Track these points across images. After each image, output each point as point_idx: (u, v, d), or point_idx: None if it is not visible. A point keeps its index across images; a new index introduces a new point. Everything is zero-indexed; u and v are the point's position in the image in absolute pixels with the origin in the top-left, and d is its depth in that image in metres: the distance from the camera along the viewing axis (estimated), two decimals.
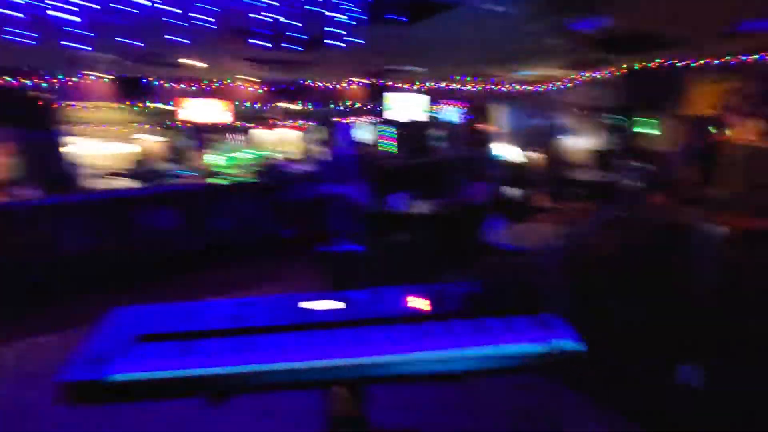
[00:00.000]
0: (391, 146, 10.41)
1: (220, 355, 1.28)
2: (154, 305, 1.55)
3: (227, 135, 9.28)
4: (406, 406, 2.47)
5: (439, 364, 1.23)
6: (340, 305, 1.50)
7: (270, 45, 4.84)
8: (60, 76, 6.82)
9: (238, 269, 5.42)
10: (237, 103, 8.80)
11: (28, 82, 6.63)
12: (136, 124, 10.65)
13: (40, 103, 6.70)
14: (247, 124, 10.37)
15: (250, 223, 6.40)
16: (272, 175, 7.10)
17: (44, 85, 6.91)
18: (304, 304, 1.50)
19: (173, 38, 4.24)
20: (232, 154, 9.26)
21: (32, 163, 6.47)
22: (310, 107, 9.94)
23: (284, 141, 11.37)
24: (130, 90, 6.96)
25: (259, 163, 8.58)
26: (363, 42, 4.95)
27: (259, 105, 9.04)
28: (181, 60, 6.17)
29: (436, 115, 10.69)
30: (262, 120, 10.52)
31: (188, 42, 4.31)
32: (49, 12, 3.46)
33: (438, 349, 1.25)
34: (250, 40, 4.71)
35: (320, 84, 9.35)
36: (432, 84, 10.05)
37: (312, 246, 4.00)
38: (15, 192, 5.59)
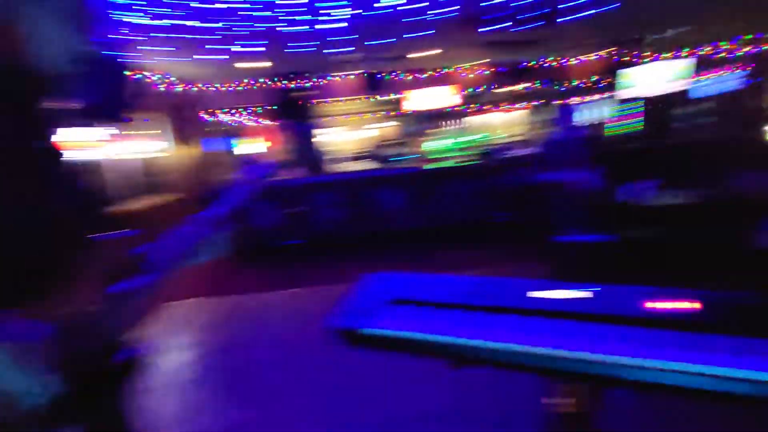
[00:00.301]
0: (632, 126, 9.07)
1: (459, 325, 1.37)
2: (402, 273, 1.75)
3: (452, 120, 9.68)
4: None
5: (702, 379, 1.04)
6: (583, 295, 1.41)
7: (503, 26, 4.77)
8: (329, 77, 8.24)
9: (453, 248, 5.68)
10: (465, 88, 9.06)
11: (292, 84, 8.28)
12: (371, 114, 12.16)
13: (300, 101, 8.26)
14: (471, 108, 10.58)
15: (467, 206, 6.58)
16: (493, 158, 7.10)
17: (307, 85, 8.51)
18: (540, 293, 1.46)
19: (413, 35, 4.61)
20: (455, 139, 9.62)
21: (297, 149, 8.10)
22: (536, 86, 9.50)
23: (508, 124, 11.18)
24: (371, 84, 7.91)
25: (480, 147, 8.68)
26: (617, 4, 4.37)
27: (483, 89, 9.12)
28: (414, 54, 6.68)
29: (695, 87, 8.78)
30: (486, 103, 10.58)
31: (426, 35, 4.61)
32: (318, 27, 4.25)
33: (698, 363, 1.05)
34: (484, 25, 4.74)
35: (548, 63, 8.81)
36: (688, 50, 8.31)
37: (529, 232, 3.85)
38: (289, 172, 7.11)
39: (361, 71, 8.21)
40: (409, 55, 6.89)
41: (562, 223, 3.61)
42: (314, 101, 8.42)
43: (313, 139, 8.27)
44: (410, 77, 8.90)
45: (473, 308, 1.47)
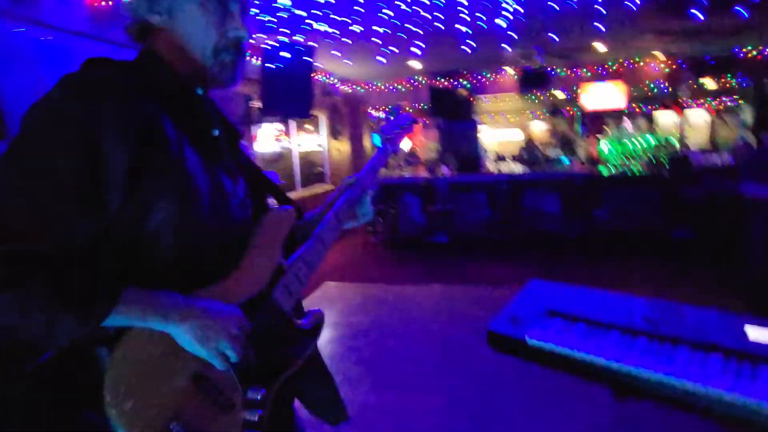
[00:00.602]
0: None
1: (628, 351, 1.28)
2: (566, 284, 1.69)
3: (623, 120, 8.75)
4: None
5: None
6: None
7: (704, 13, 4.13)
8: (483, 74, 8.20)
9: (617, 261, 5.15)
10: (642, 85, 8.11)
11: (455, 82, 8.36)
12: (529, 112, 11.63)
13: (458, 99, 8.29)
14: (649, 108, 9.40)
15: (633, 217, 5.90)
16: (675, 165, 6.21)
17: (466, 83, 8.53)
18: (754, 330, 1.27)
19: (589, 27, 4.30)
20: (625, 141, 8.67)
21: (449, 147, 8.18)
22: (733, 84, 8.00)
23: (692, 126, 9.66)
24: (533, 81, 7.57)
25: (656, 151, 7.67)
26: None
27: (667, 84, 8.02)
28: (583, 48, 6.20)
29: None
30: (668, 101, 9.27)
31: (603, 29, 4.26)
32: (481, 23, 4.26)
33: None
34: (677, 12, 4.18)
35: (755, 53, 7.32)
36: None
37: (716, 254, 3.28)
38: (435, 170, 7.26)
39: (520, 67, 7.93)
40: (577, 50, 6.42)
41: (765, 249, 3.01)
42: (472, 99, 8.41)
43: (470, 138, 8.27)
44: (580, 72, 8.29)
45: (649, 335, 1.36)
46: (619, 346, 1.30)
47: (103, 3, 3.38)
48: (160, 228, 0.75)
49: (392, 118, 1.30)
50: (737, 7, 4.01)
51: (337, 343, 3.62)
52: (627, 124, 8.89)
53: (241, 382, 0.82)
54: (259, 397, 0.84)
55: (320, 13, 3.95)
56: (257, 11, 3.90)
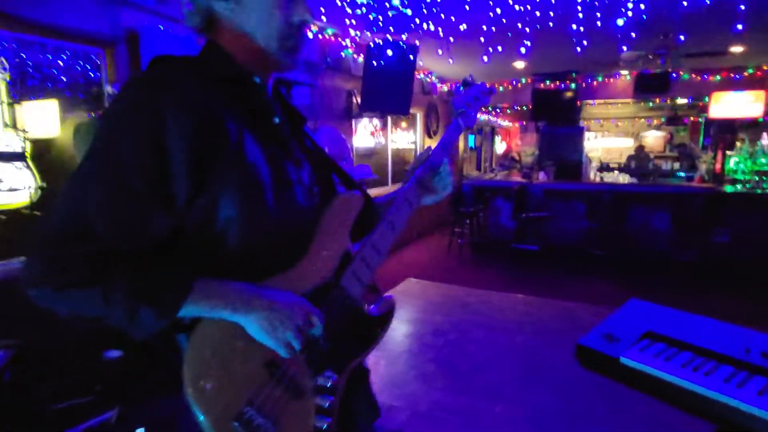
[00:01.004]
0: None
1: (743, 388, 1.16)
2: (667, 307, 1.57)
3: (760, 134, 7.70)
4: None
5: None
6: None
7: None
8: (594, 77, 7.72)
9: (733, 295, 4.56)
10: None
11: (562, 84, 7.95)
12: (644, 120, 10.69)
13: (569, 102, 7.86)
14: None
15: (761, 244, 5.18)
16: None
17: (573, 85, 8.06)
18: None
19: (725, 26, 3.85)
20: (757, 158, 7.64)
21: (548, 152, 7.82)
22: None
23: None
24: (651, 86, 6.95)
25: None
26: None
27: None
28: (723, 48, 5.54)
29: None
30: None
31: (742, 27, 3.79)
32: (598, 23, 4.01)
33: None
34: None
35: None
36: None
37: None
38: (531, 175, 6.98)
39: (638, 70, 7.31)
40: (707, 52, 5.76)
41: None
42: (579, 103, 7.95)
43: (574, 144, 7.85)
44: (703, 78, 7.45)
45: (765, 373, 1.23)
46: (732, 381, 1.18)
47: None
48: (227, 220, 0.77)
49: (463, 89, 1.20)
50: None
51: (415, 340, 3.66)
52: (764, 138, 7.79)
53: (311, 369, 0.85)
54: (329, 384, 0.86)
55: (426, 11, 4.00)
56: (365, 10, 4.04)
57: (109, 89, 2.91)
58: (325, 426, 0.84)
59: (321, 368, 0.87)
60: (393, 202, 1.03)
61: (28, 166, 2.51)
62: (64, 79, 2.80)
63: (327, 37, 4.94)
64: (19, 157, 2.44)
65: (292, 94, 1.74)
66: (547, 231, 6.07)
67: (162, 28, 3.15)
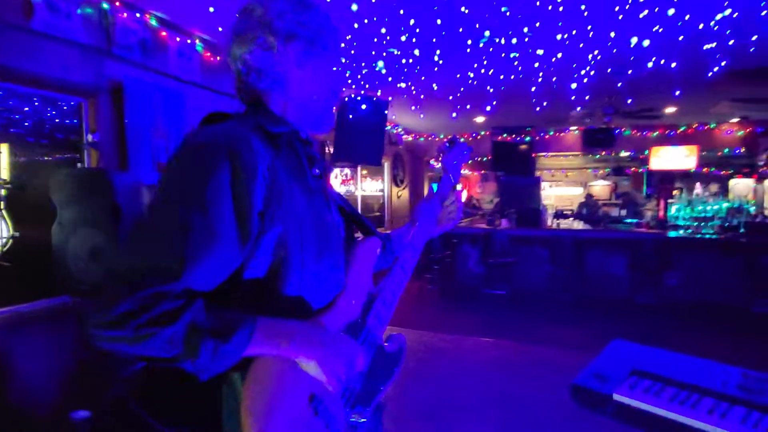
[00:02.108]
0: None
1: (726, 418, 1.26)
2: (647, 347, 1.68)
3: (694, 184, 8.45)
4: None
5: None
6: None
7: None
8: (546, 131, 8.30)
9: (691, 336, 4.83)
10: (719, 149, 7.86)
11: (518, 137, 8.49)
12: (591, 170, 11.46)
13: (525, 153, 8.36)
14: (720, 173, 9.03)
15: (708, 285, 5.56)
16: (747, 231, 5.88)
17: (528, 138, 8.62)
18: None
19: (663, 91, 4.34)
20: (695, 205, 8.32)
21: (509, 200, 8.18)
22: None
23: (766, 194, 9.12)
24: (598, 140, 7.55)
25: (729, 216, 7.27)
26: None
27: (743, 150, 7.73)
28: (660, 108, 6.17)
29: None
30: (742, 167, 8.88)
31: (679, 93, 4.29)
32: (554, 86, 4.43)
33: None
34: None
35: None
36: None
37: None
38: (495, 222, 7.26)
39: (585, 126, 7.96)
40: (646, 112, 6.40)
41: None
42: (534, 155, 8.48)
43: (532, 193, 8.24)
44: (643, 134, 8.20)
45: (742, 402, 1.34)
46: (716, 412, 1.28)
47: (216, 58, 3.85)
48: (278, 261, 0.83)
49: (450, 147, 1.33)
50: None
51: (393, 386, 3.61)
52: (698, 187, 8.55)
53: (346, 405, 0.90)
54: (362, 420, 0.91)
55: (401, 71, 4.26)
56: (342, 67, 4.26)
57: (89, 138, 2.88)
58: None
59: (353, 404, 0.91)
60: (403, 249, 1.14)
61: (2, 215, 2.42)
62: (45, 128, 2.76)
63: None
64: None
65: None
66: (514, 276, 6.27)
67: (147, 80, 3.20)
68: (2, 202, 2.36)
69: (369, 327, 0.98)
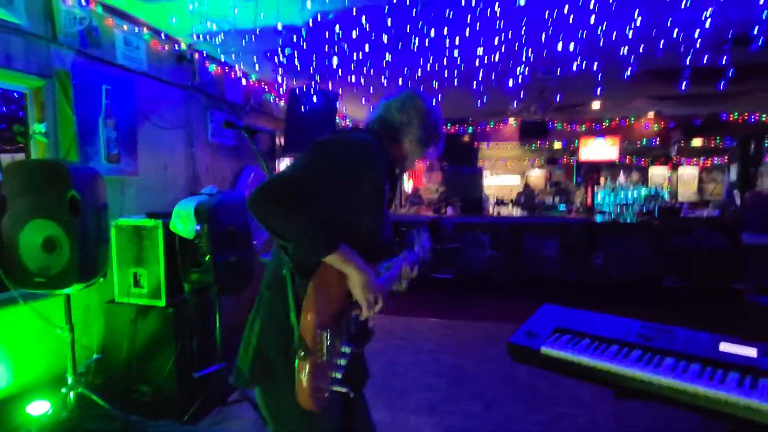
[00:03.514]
0: None
1: (626, 359, 1.58)
2: (572, 309, 2.00)
3: (617, 172, 9.28)
4: None
5: None
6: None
7: (690, 83, 4.67)
8: (487, 123, 8.73)
9: (615, 307, 5.41)
10: (638, 141, 8.66)
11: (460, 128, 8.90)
12: (528, 160, 12.21)
13: (468, 144, 8.79)
14: (641, 162, 9.97)
15: (627, 264, 6.24)
16: (660, 215, 6.63)
17: (470, 129, 9.06)
18: (725, 346, 1.58)
19: (587, 90, 4.80)
20: (617, 192, 9.17)
21: (453, 189, 8.60)
22: (717, 142, 8.60)
23: (682, 180, 10.20)
24: (532, 132, 8.09)
25: (646, 202, 8.12)
26: None
27: (658, 142, 8.61)
28: (587, 104, 6.74)
29: None
30: (658, 157, 9.87)
31: (601, 91, 4.77)
32: (493, 83, 4.79)
33: None
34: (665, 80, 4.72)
35: (740, 117, 7.94)
36: None
37: (709, 300, 3.60)
38: (440, 210, 7.64)
39: (522, 119, 8.50)
40: (575, 107, 6.99)
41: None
42: (476, 145, 8.93)
43: (475, 182, 8.67)
44: (572, 128, 8.88)
45: (641, 347, 1.66)
46: (619, 355, 1.60)
47: (164, 47, 3.81)
48: (365, 227, 1.37)
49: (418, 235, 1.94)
50: (719, 80, 4.53)
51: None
52: (621, 176, 9.41)
53: (349, 336, 1.30)
54: (350, 351, 1.29)
55: (350, 64, 4.42)
56: (286, 56, 4.33)
57: (35, 128, 2.82)
58: (340, 375, 1.25)
59: (350, 338, 1.31)
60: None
61: None
62: None
63: (251, 82, 5.14)
64: None
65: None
66: (459, 260, 6.66)
67: (92, 68, 3.15)
68: None
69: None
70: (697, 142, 9.03)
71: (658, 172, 10.22)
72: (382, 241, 1.47)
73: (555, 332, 1.82)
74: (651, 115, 8.33)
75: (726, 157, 9.10)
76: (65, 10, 2.92)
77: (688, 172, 10.21)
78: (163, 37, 3.78)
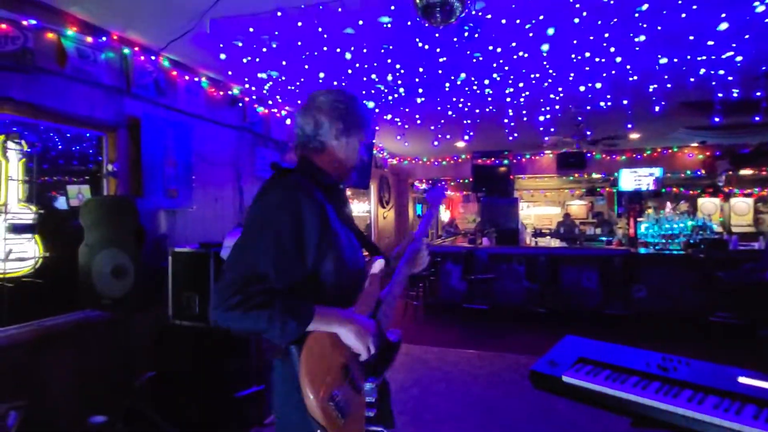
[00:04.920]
0: None
1: (645, 390, 1.63)
2: (595, 340, 2.06)
3: (664, 203, 9.03)
4: None
5: None
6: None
7: (728, 117, 4.63)
8: (523, 155, 8.79)
9: (656, 343, 5.24)
10: (682, 170, 8.45)
11: (497, 160, 8.99)
12: (567, 190, 12.07)
13: (504, 175, 8.85)
14: (690, 192, 9.67)
15: (672, 297, 6.02)
16: (707, 247, 6.39)
17: (506, 162, 9.13)
18: (744, 379, 1.60)
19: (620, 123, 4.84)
20: (662, 223, 8.89)
21: (489, 220, 8.64)
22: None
23: (735, 211, 9.77)
24: (570, 163, 8.07)
25: (693, 233, 7.81)
26: None
27: (704, 172, 8.36)
28: (625, 134, 6.71)
29: None
30: (707, 187, 9.54)
31: (631, 126, 4.81)
32: (525, 118, 4.92)
33: None
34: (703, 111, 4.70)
35: None
36: None
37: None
38: (475, 240, 7.68)
39: (558, 151, 8.51)
40: (612, 138, 6.97)
41: None
42: (512, 177, 8.98)
43: (510, 213, 8.67)
44: (612, 157, 8.78)
45: (660, 378, 1.71)
46: (639, 386, 1.66)
47: (219, 94, 4.23)
48: (326, 272, 1.23)
49: (432, 186, 1.87)
50: (754, 115, 4.47)
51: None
52: (667, 206, 9.15)
53: (364, 375, 1.25)
54: (374, 385, 1.26)
55: (386, 103, 4.70)
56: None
57: (109, 168, 3.21)
58: (372, 414, 1.23)
59: (368, 375, 1.26)
60: (397, 267, 1.51)
61: (34, 238, 2.71)
62: (72, 161, 3.07)
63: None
64: (30, 229, 2.65)
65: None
66: (494, 291, 6.65)
67: (161, 116, 3.55)
68: (35, 228, 2.64)
69: (379, 321, 1.34)
70: (747, 171, 8.69)
71: (708, 202, 9.84)
72: (359, 266, 1.37)
73: (578, 362, 1.89)
74: (695, 144, 8.14)
75: None
76: (138, 66, 3.35)
77: (742, 203, 9.78)
78: (219, 84, 4.21)
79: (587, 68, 3.70)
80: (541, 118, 4.90)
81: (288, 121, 5.39)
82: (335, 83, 4.04)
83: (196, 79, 3.96)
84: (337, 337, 1.18)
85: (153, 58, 3.47)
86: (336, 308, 1.21)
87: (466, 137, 5.61)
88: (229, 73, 3.86)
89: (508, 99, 4.43)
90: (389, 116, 5.16)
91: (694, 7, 2.77)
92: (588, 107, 4.37)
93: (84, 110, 3.01)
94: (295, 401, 1.14)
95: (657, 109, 4.31)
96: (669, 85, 3.80)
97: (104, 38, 3.08)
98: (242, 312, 1.07)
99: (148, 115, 3.42)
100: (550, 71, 3.71)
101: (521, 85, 3.99)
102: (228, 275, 1.12)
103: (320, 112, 1.34)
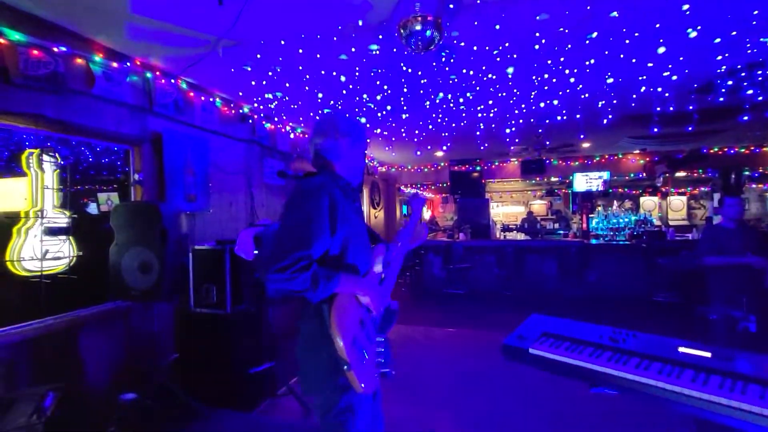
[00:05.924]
0: None
1: (598, 358, 1.64)
2: (557, 317, 2.07)
3: (611, 202, 9.14)
4: None
5: None
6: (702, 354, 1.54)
7: (665, 127, 4.69)
8: (493, 162, 8.81)
9: (609, 319, 5.30)
10: (626, 173, 8.55)
11: (471, 167, 9.01)
12: (530, 192, 12.15)
13: (476, 180, 8.87)
14: (633, 192, 9.80)
15: (619, 281, 6.10)
16: (648, 238, 6.48)
17: (478, 168, 9.15)
18: (684, 348, 1.62)
19: (573, 134, 4.89)
20: (610, 219, 9.00)
21: (464, 218, 8.67)
22: (700, 173, 8.38)
23: (671, 208, 9.94)
24: (532, 169, 8.12)
25: (636, 227, 7.93)
26: None
27: (645, 174, 8.47)
28: (578, 143, 6.77)
29: None
30: (647, 187, 9.68)
31: (583, 136, 4.84)
32: (493, 131, 4.94)
33: None
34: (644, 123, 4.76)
35: (720, 150, 7.76)
36: None
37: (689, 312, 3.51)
38: (453, 235, 7.70)
39: (522, 158, 8.56)
40: (568, 146, 7.03)
41: (725, 304, 3.24)
42: (484, 181, 9.01)
43: (482, 211, 8.70)
44: (567, 163, 8.86)
45: (612, 348, 1.72)
46: (593, 355, 1.66)
47: (231, 111, 4.17)
48: (345, 250, 1.41)
49: (414, 196, 2.03)
50: (687, 125, 4.54)
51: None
52: (614, 204, 9.25)
53: (375, 329, 1.44)
54: (381, 339, 1.46)
55: (379, 121, 4.67)
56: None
57: (135, 177, 3.14)
58: (382, 360, 1.46)
59: (377, 331, 1.47)
60: (397, 246, 1.67)
61: (68, 239, 2.64)
62: (102, 171, 3.00)
63: (297, 134, 5.47)
64: (64, 231, 2.58)
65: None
66: (469, 278, 6.67)
67: (179, 131, 3.48)
68: (69, 230, 2.58)
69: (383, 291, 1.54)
70: (681, 173, 8.83)
71: (648, 201, 10.00)
72: (368, 247, 1.53)
73: (542, 336, 1.89)
74: (636, 150, 8.24)
75: (712, 187, 8.85)
76: (159, 88, 3.29)
77: (677, 200, 9.95)
78: (230, 103, 4.15)
79: (546, 87, 3.73)
80: (508, 131, 4.91)
81: (292, 135, 5.35)
82: (332, 102, 4.01)
83: (211, 99, 3.90)
84: (356, 297, 1.37)
85: (172, 80, 3.41)
86: (355, 275, 1.40)
87: (444, 147, 5.61)
88: (240, 93, 3.80)
89: (480, 114, 4.45)
90: (378, 130, 5.14)
91: (636, 34, 2.80)
92: (547, 121, 4.40)
93: (112, 126, 2.94)
94: (323, 351, 1.30)
95: (605, 121, 4.35)
96: (615, 101, 3.84)
97: (128, 63, 3.02)
98: (289, 274, 1.23)
99: (169, 131, 3.36)
100: (515, 90, 3.72)
101: (490, 102, 4.00)
102: (277, 249, 1.27)
103: (335, 129, 1.52)
